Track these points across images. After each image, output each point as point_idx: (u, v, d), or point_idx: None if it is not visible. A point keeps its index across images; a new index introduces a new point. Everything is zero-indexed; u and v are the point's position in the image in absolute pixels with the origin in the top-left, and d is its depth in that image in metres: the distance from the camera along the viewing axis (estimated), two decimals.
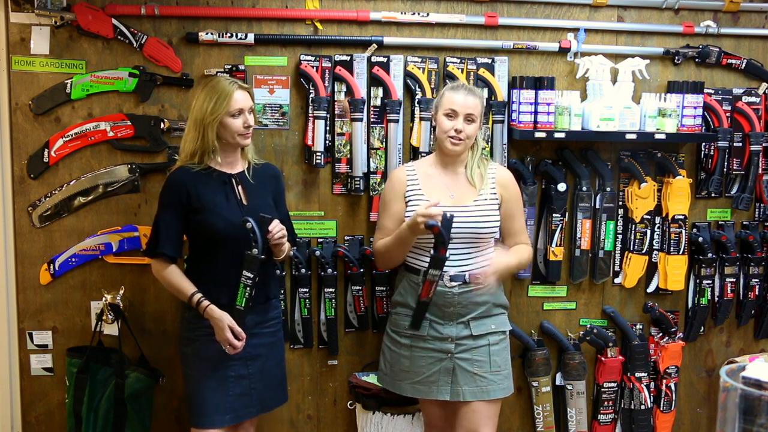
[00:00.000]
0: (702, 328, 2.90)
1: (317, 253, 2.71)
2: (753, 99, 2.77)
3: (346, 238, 2.75)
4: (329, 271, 2.71)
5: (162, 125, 2.67)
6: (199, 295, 2.26)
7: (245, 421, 2.40)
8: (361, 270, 2.71)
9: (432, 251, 2.26)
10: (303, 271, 2.71)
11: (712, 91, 2.77)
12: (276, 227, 2.25)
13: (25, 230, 2.63)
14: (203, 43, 2.64)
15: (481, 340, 2.39)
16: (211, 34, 2.64)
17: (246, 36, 2.64)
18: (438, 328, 2.38)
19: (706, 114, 2.76)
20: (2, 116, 2.59)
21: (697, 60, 2.79)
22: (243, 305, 2.23)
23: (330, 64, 2.67)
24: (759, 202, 2.89)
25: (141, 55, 2.63)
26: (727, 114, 2.77)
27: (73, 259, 2.69)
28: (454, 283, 2.37)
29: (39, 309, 2.67)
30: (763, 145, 2.80)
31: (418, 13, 2.70)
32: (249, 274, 2.21)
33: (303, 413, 2.80)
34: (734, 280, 2.83)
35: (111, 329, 2.65)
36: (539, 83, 2.66)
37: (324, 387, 2.80)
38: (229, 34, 2.64)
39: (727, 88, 2.81)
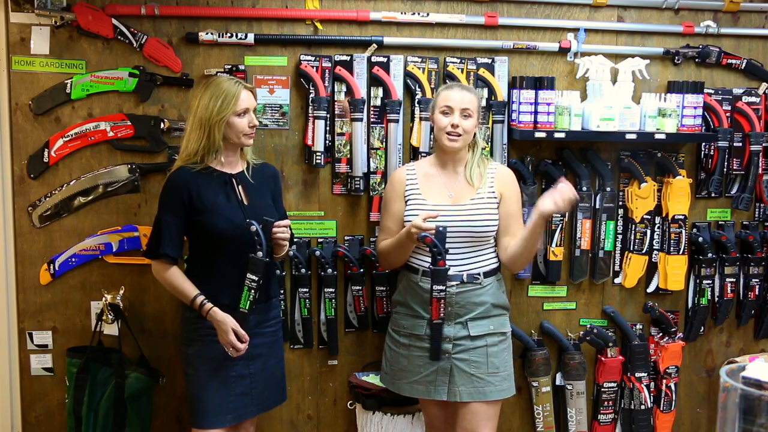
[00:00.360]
0: (702, 328, 2.91)
1: (317, 253, 2.73)
2: (753, 99, 2.79)
3: (346, 238, 2.76)
4: (329, 271, 2.73)
5: (162, 125, 2.68)
6: (201, 298, 2.27)
7: (245, 420, 2.42)
8: (361, 270, 2.73)
9: (430, 265, 2.29)
10: (303, 271, 2.73)
11: (712, 91, 2.79)
12: (281, 226, 2.27)
13: (25, 230, 2.65)
14: (203, 43, 2.65)
15: (479, 341, 2.40)
16: (211, 34, 2.66)
17: (246, 36, 2.66)
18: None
19: (706, 114, 2.78)
20: (2, 116, 2.61)
21: (697, 60, 2.80)
22: (247, 308, 2.24)
23: (330, 64, 2.69)
24: (759, 202, 2.91)
25: (141, 55, 2.64)
26: (727, 114, 2.79)
27: (73, 259, 2.71)
28: (452, 283, 2.38)
29: (39, 309, 2.68)
30: (763, 145, 2.82)
31: (418, 13, 2.71)
32: (253, 277, 2.22)
33: (303, 413, 2.82)
34: (734, 280, 2.85)
35: (111, 329, 2.67)
36: (539, 83, 2.68)
37: (324, 387, 2.81)
38: (229, 34, 2.66)
39: (727, 88, 2.83)
